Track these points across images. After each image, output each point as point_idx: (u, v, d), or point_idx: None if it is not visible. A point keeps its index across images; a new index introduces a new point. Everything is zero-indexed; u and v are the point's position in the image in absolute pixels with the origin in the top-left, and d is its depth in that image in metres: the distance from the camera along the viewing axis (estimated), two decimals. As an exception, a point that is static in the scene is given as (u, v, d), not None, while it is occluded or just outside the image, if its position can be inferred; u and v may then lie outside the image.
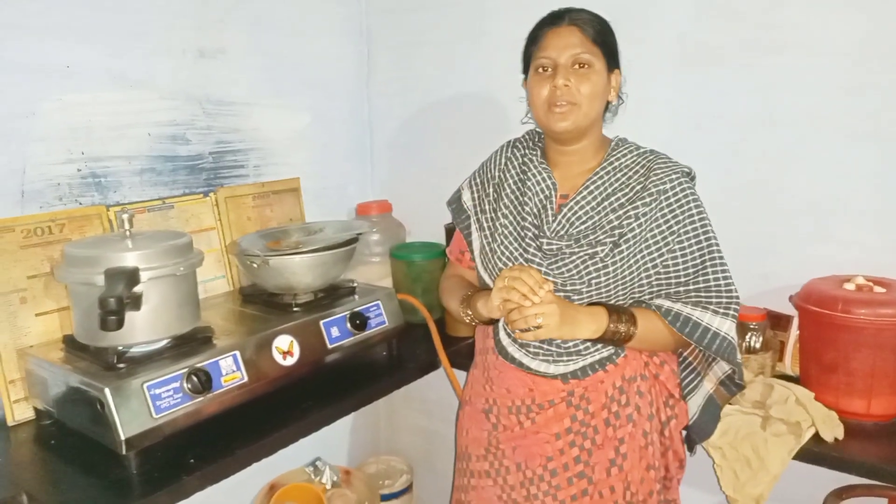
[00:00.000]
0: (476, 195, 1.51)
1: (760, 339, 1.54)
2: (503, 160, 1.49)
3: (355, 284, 1.75)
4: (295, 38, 2.05)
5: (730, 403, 1.40)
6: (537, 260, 1.33)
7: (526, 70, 1.40)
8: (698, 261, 1.28)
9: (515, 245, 1.38)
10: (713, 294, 1.27)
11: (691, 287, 1.28)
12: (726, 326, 1.26)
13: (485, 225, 1.46)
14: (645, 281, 1.30)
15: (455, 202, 1.57)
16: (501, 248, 1.39)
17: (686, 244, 1.28)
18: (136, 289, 1.25)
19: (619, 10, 1.72)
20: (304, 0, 2.06)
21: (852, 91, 1.51)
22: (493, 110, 2.01)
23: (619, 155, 1.36)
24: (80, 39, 1.55)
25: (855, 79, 1.50)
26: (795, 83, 1.56)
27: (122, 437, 1.19)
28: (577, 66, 1.30)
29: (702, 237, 1.28)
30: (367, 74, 2.30)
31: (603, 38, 1.33)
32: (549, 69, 1.32)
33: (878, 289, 1.41)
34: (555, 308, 1.21)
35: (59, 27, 1.52)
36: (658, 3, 1.70)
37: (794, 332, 1.54)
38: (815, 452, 1.33)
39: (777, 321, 1.59)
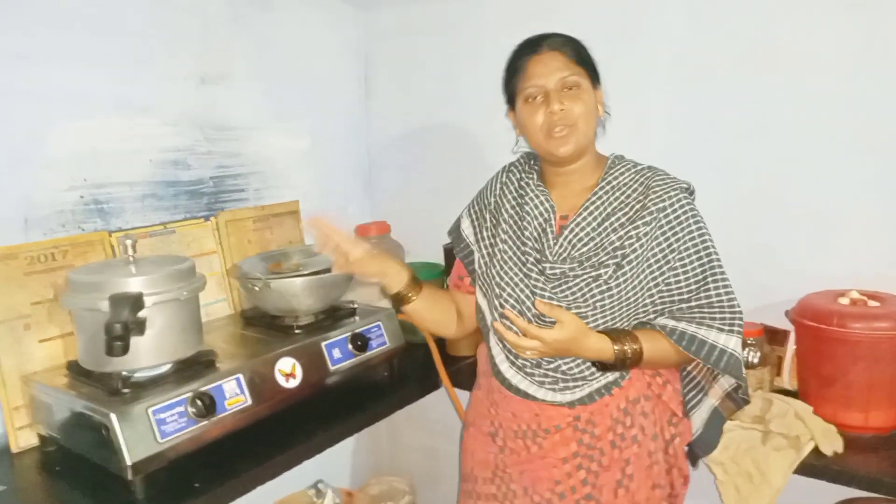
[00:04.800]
0: (475, 223, 1.51)
1: (758, 354, 1.55)
2: (498, 186, 1.48)
3: (356, 306, 1.77)
4: (295, 62, 2.08)
5: (731, 419, 1.41)
6: (540, 284, 1.32)
7: (510, 100, 1.40)
8: (700, 277, 1.28)
9: (516, 270, 1.36)
10: (716, 311, 1.27)
11: (694, 304, 1.28)
12: (732, 343, 1.26)
13: (484, 252, 1.46)
14: (648, 301, 1.30)
15: (454, 231, 1.57)
16: (501, 273, 1.38)
17: (687, 261, 1.28)
18: (141, 314, 1.26)
19: (615, 26, 1.77)
20: (303, 25, 2.10)
21: (846, 104, 1.54)
22: (491, 132, 2.03)
23: (616, 173, 1.36)
24: (85, 67, 1.58)
25: (849, 92, 1.53)
26: (790, 97, 1.59)
27: (129, 462, 1.20)
28: (566, 89, 1.31)
29: (702, 253, 1.29)
30: (366, 97, 2.33)
31: (584, 57, 1.34)
32: (539, 96, 1.32)
33: (872, 303, 1.43)
34: (550, 349, 1.24)
35: (66, 55, 1.55)
36: (653, 18, 1.74)
37: (792, 346, 1.55)
38: (815, 466, 1.34)
39: (774, 336, 1.60)
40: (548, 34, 1.35)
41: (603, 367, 1.29)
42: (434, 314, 1.52)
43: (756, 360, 1.55)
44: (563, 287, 1.31)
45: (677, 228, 1.29)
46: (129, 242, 1.39)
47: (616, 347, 1.24)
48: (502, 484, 1.40)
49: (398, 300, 1.47)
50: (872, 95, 1.51)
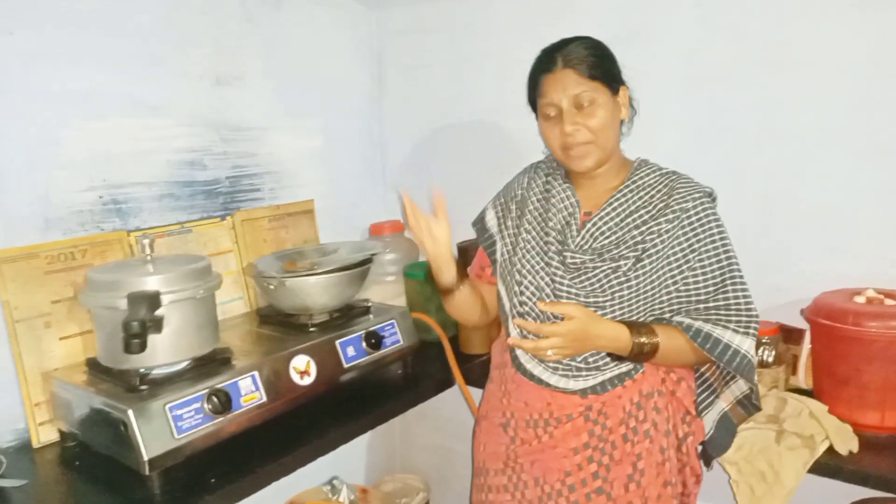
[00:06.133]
0: (500, 213, 1.54)
1: (773, 353, 1.55)
2: (526, 180, 1.51)
3: (370, 304, 1.78)
4: (308, 62, 2.10)
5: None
6: (560, 273, 1.35)
7: (534, 109, 1.42)
8: (718, 279, 1.29)
9: (538, 259, 1.39)
10: (733, 312, 1.28)
11: (711, 305, 1.29)
12: (747, 345, 1.27)
13: (507, 240, 1.48)
14: (665, 297, 1.31)
15: (479, 222, 1.59)
16: (523, 261, 1.41)
17: (707, 262, 1.30)
18: (158, 312, 1.28)
19: (628, 28, 1.77)
20: (316, 24, 2.12)
21: (860, 106, 1.52)
22: (504, 129, 2.05)
23: (642, 174, 1.39)
24: (100, 68, 1.60)
25: (862, 94, 1.52)
26: (804, 99, 1.58)
27: (145, 458, 1.22)
28: (579, 107, 1.31)
29: (722, 256, 1.30)
30: (379, 96, 2.34)
31: (600, 69, 1.32)
32: (555, 113, 1.34)
33: (888, 301, 1.42)
34: (568, 341, 1.25)
35: (81, 56, 1.57)
36: (666, 21, 1.74)
37: (807, 345, 1.54)
38: (830, 466, 1.33)
39: (789, 335, 1.59)
40: (564, 44, 1.35)
41: (619, 357, 1.30)
42: (468, 305, 1.53)
43: (771, 359, 1.54)
44: (582, 277, 1.33)
45: (699, 230, 1.30)
46: (146, 242, 1.41)
47: (633, 334, 1.26)
48: (513, 475, 1.41)
49: (448, 289, 1.48)
50: (886, 96, 1.49)
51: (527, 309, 1.36)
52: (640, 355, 1.27)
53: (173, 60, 1.75)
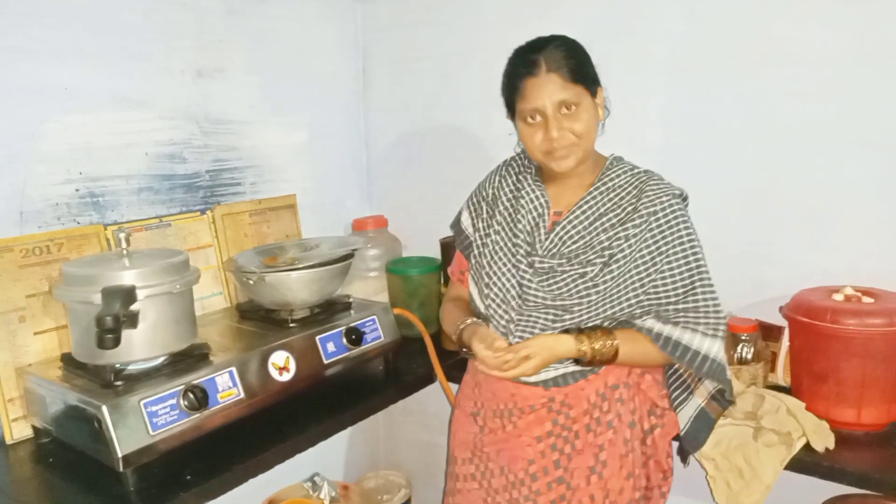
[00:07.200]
0: (473, 214, 1.53)
1: (752, 349, 1.55)
2: (497, 179, 1.51)
3: (351, 300, 1.77)
4: (292, 56, 2.08)
5: (723, 417, 1.41)
6: (528, 276, 1.35)
7: (510, 109, 1.39)
8: (687, 282, 1.30)
9: (505, 261, 1.40)
10: (702, 315, 1.29)
11: (680, 307, 1.30)
12: (715, 348, 1.28)
13: (478, 242, 1.48)
14: (634, 300, 1.31)
15: (456, 224, 1.59)
16: (491, 263, 1.41)
17: (675, 265, 1.30)
18: (133, 307, 1.26)
19: (611, 22, 1.76)
20: (300, 18, 2.10)
21: (843, 100, 1.53)
22: (489, 125, 2.03)
23: (612, 175, 1.38)
24: (80, 61, 1.58)
25: (844, 88, 1.52)
26: (787, 94, 1.59)
27: (120, 455, 1.20)
28: (564, 110, 1.30)
29: (691, 259, 1.30)
30: (364, 90, 2.33)
31: (581, 72, 1.31)
32: (538, 117, 1.31)
33: (866, 299, 1.43)
34: (529, 370, 1.27)
35: (60, 49, 1.54)
36: (649, 15, 1.73)
37: (786, 342, 1.55)
38: (806, 462, 1.34)
39: (769, 332, 1.60)
40: (543, 44, 1.32)
41: (579, 361, 1.31)
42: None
43: (750, 356, 1.55)
44: (550, 281, 1.33)
45: (667, 232, 1.30)
46: (122, 235, 1.39)
47: (579, 347, 1.28)
48: (480, 463, 1.43)
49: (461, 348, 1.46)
50: (869, 91, 1.50)
51: (491, 312, 1.39)
52: (594, 361, 1.29)
53: (155, 53, 1.72)
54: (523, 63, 1.32)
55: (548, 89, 1.29)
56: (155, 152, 1.74)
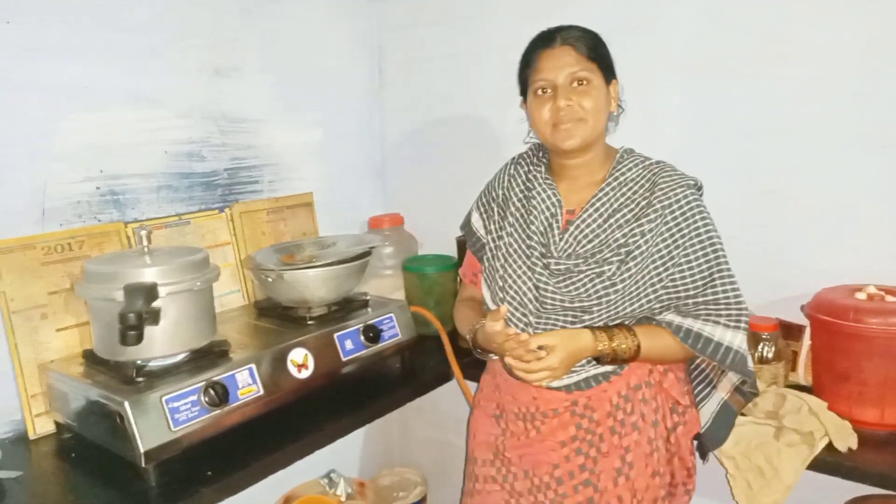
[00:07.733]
0: (484, 216, 1.52)
1: (773, 349, 1.54)
2: (506, 178, 1.49)
3: (368, 297, 1.77)
4: (307, 54, 2.09)
5: (743, 413, 1.40)
6: (545, 278, 1.34)
7: (523, 92, 1.41)
8: (706, 273, 1.28)
9: (520, 263, 1.38)
10: (723, 307, 1.27)
11: (700, 300, 1.28)
12: (738, 340, 1.26)
13: (491, 244, 1.47)
14: (653, 296, 1.30)
15: (466, 225, 1.58)
16: (506, 266, 1.40)
17: (693, 257, 1.28)
18: (155, 304, 1.27)
19: (628, 20, 1.76)
20: (315, 17, 2.10)
21: (860, 99, 1.51)
22: (504, 122, 2.03)
23: (623, 168, 1.37)
24: (98, 60, 1.59)
25: (863, 87, 1.51)
26: (804, 92, 1.57)
27: (142, 450, 1.21)
28: (575, 84, 1.31)
29: (709, 250, 1.28)
30: (379, 89, 2.33)
31: (597, 52, 1.33)
32: (549, 90, 1.32)
33: (889, 298, 1.41)
34: (555, 363, 1.23)
35: (78, 48, 1.56)
36: (666, 13, 1.72)
37: (807, 341, 1.53)
38: (828, 462, 1.32)
39: (789, 331, 1.59)
40: (564, 26, 1.35)
41: (601, 360, 1.30)
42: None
43: (770, 355, 1.53)
44: (567, 282, 1.32)
45: (683, 225, 1.29)
46: (143, 233, 1.40)
47: (598, 346, 1.26)
48: (502, 466, 1.42)
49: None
50: (889, 91, 1.48)
51: (508, 315, 1.35)
52: (617, 359, 1.27)
53: (170, 52, 1.73)
54: (540, 38, 1.36)
55: (561, 60, 1.31)
56: (174, 150, 1.75)
